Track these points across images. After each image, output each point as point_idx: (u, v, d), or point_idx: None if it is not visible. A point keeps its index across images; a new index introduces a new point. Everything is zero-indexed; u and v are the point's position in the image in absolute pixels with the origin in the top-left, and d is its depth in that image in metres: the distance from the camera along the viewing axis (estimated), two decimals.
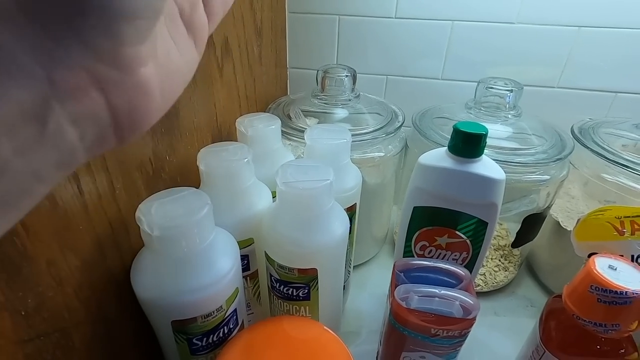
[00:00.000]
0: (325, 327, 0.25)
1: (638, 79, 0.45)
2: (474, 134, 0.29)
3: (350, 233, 0.36)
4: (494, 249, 0.47)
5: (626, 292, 0.23)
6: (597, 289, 0.24)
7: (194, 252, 0.22)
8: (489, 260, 0.46)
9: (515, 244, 0.43)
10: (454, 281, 0.30)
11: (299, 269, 0.26)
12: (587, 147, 0.38)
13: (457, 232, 0.33)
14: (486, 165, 0.30)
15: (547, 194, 0.40)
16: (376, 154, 0.40)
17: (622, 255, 0.29)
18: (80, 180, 0.19)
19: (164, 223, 0.20)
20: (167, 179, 0.27)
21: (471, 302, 0.27)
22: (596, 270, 0.25)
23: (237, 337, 0.24)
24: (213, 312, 0.23)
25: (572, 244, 0.35)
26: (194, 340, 0.23)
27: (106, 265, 0.22)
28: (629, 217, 0.29)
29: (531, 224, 0.41)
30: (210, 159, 0.27)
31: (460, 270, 0.30)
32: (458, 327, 0.27)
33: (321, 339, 0.24)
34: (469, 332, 0.28)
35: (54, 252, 0.18)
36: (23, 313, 0.17)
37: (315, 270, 0.26)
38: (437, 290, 0.28)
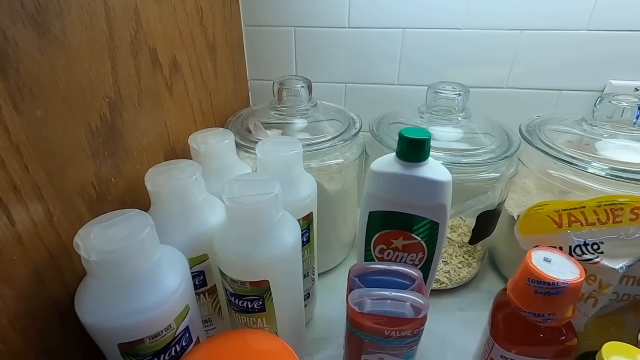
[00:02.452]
0: (278, 338, 0.25)
1: (580, 76, 0.48)
2: (417, 139, 0.30)
3: (309, 241, 0.36)
4: (458, 247, 0.48)
5: (557, 282, 0.24)
6: (533, 281, 0.26)
7: (137, 273, 0.22)
8: (453, 257, 0.48)
9: (472, 240, 0.44)
10: (407, 282, 0.31)
11: (250, 282, 0.26)
12: (533, 145, 0.40)
13: (412, 235, 0.34)
14: (432, 168, 0.32)
15: (500, 190, 0.42)
16: (334, 161, 0.41)
17: (561, 248, 0.31)
18: (10, 210, 0.19)
19: (102, 247, 0.20)
20: (115, 202, 0.27)
21: (421, 301, 0.28)
22: (532, 264, 0.26)
23: (188, 354, 0.24)
24: (161, 331, 0.23)
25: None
26: None
27: (47, 293, 0.22)
28: (566, 210, 0.31)
29: (485, 221, 0.42)
30: (158, 178, 0.27)
31: (413, 271, 0.31)
32: (409, 327, 0.28)
33: (273, 350, 0.24)
34: (421, 331, 0.29)
35: None
36: None
37: (267, 282, 0.26)
38: (388, 293, 0.29)
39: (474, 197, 0.44)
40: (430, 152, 0.32)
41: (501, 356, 0.28)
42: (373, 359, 0.30)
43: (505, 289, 0.30)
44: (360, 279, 0.31)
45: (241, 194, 0.25)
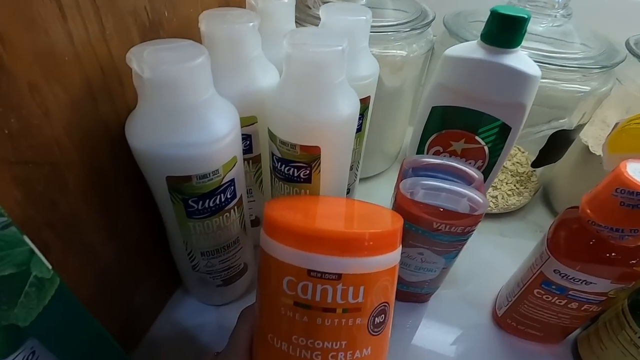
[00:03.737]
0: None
1: None
2: (513, 17, 0.25)
3: (360, 130, 0.34)
4: (511, 175, 0.45)
5: None
6: (622, 191, 0.22)
7: (188, 105, 0.20)
8: (504, 184, 0.44)
9: (536, 163, 0.40)
10: (464, 183, 0.28)
11: (301, 146, 0.25)
12: None
13: (476, 137, 0.30)
14: (521, 59, 0.27)
15: (582, 113, 0.37)
16: (398, 51, 0.37)
17: None
18: (62, 2, 0.17)
19: (156, 65, 0.19)
20: (166, 38, 0.25)
21: (480, 200, 0.26)
22: (626, 173, 0.22)
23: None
24: (209, 174, 0.22)
25: (600, 166, 0.32)
26: (190, 202, 0.23)
27: (98, 113, 0.21)
28: None
29: (557, 143, 0.38)
30: (213, 19, 0.24)
31: (473, 172, 0.28)
32: (462, 222, 0.26)
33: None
34: (472, 231, 0.27)
35: (35, 75, 0.17)
36: (6, 132, 0.16)
37: (318, 148, 0.25)
38: (445, 185, 0.26)
39: (546, 122, 0.39)
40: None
41: (554, 270, 0.26)
42: (412, 253, 0.29)
43: (571, 207, 0.27)
44: (414, 172, 0.29)
45: (304, 43, 0.22)
